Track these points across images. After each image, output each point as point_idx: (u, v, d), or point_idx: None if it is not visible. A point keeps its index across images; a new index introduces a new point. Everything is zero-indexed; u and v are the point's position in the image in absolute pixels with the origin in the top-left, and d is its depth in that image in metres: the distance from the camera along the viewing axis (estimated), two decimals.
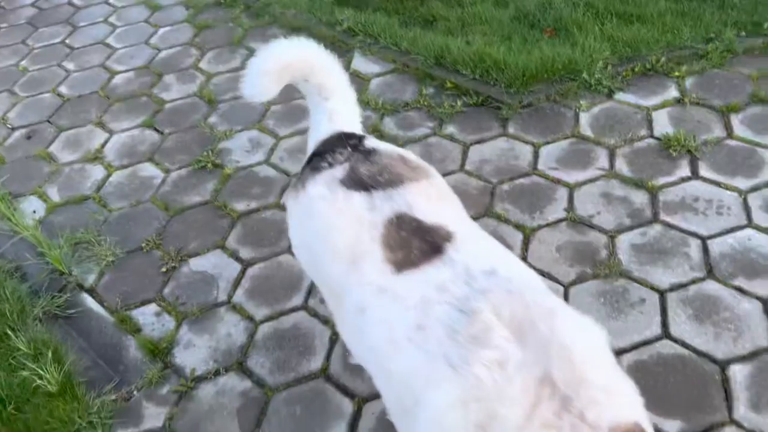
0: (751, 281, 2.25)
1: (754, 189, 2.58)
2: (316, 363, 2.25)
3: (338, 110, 1.89)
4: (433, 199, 1.60)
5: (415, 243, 1.48)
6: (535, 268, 2.38)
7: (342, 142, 1.75)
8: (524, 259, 2.46)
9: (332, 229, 1.60)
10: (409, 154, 1.76)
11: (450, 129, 3.15)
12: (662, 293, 2.27)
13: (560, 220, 2.61)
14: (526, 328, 1.25)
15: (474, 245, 1.49)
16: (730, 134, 2.83)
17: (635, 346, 2.13)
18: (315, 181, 1.67)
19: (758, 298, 2.20)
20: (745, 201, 2.54)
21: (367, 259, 1.50)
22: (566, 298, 2.30)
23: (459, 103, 3.24)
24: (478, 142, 3.05)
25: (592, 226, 2.55)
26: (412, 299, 1.40)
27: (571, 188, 2.73)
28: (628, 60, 3.31)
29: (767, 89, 2.99)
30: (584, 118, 3.07)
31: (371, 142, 1.77)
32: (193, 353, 2.36)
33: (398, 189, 1.59)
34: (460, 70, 3.40)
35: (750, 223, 2.45)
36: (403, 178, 1.62)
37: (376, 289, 1.46)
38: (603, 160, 2.83)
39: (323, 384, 2.19)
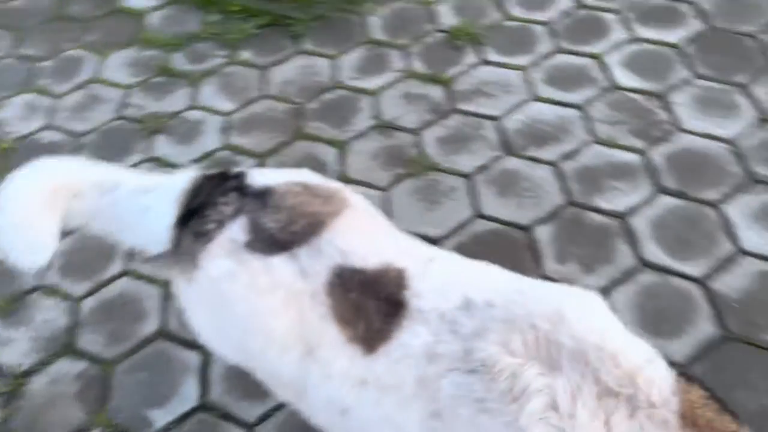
0: (541, 149, 2.48)
1: (534, 64, 2.79)
2: (151, 326, 2.16)
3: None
4: (365, 233, 1.32)
5: (371, 306, 1.21)
6: (354, 180, 2.47)
7: (219, 187, 1.36)
8: (343, 174, 2.50)
9: (262, 315, 1.25)
10: (311, 176, 1.43)
11: (245, 55, 3.02)
12: (469, 177, 2.43)
13: (370, 128, 2.66)
14: (550, 351, 1.08)
15: (430, 277, 1.24)
16: (506, 16, 3.01)
17: (454, 231, 2.29)
18: (211, 254, 1.28)
19: (548, 162, 2.43)
20: (528, 76, 2.74)
21: (325, 344, 1.21)
22: (387, 201, 2.39)
23: (249, 25, 3.10)
24: (277, 63, 2.97)
25: (398, 128, 2.64)
26: (407, 385, 1.15)
27: (374, 94, 2.77)
28: None
29: None
30: (375, 22, 3.09)
31: (257, 177, 1.38)
32: (14, 349, 2.16)
33: (323, 236, 1.27)
34: None
35: (534, 97, 2.66)
36: (323, 218, 1.29)
37: (355, 383, 1.19)
38: (399, 62, 2.89)
39: (163, 344, 2.11)
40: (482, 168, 2.45)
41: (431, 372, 1.13)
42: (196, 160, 2.62)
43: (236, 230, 1.28)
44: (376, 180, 2.46)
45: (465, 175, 2.44)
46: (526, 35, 2.91)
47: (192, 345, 2.08)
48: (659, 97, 2.58)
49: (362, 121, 2.68)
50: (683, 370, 1.14)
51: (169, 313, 2.17)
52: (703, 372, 1.86)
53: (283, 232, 1.26)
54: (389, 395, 1.16)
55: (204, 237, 1.30)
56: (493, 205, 2.34)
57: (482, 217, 2.31)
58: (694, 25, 2.82)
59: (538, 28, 2.92)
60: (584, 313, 1.15)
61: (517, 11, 3.01)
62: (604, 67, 2.71)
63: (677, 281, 2.07)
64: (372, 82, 2.81)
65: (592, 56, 2.77)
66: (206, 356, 2.05)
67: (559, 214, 2.28)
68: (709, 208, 2.23)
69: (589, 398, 1.03)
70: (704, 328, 1.95)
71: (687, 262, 2.10)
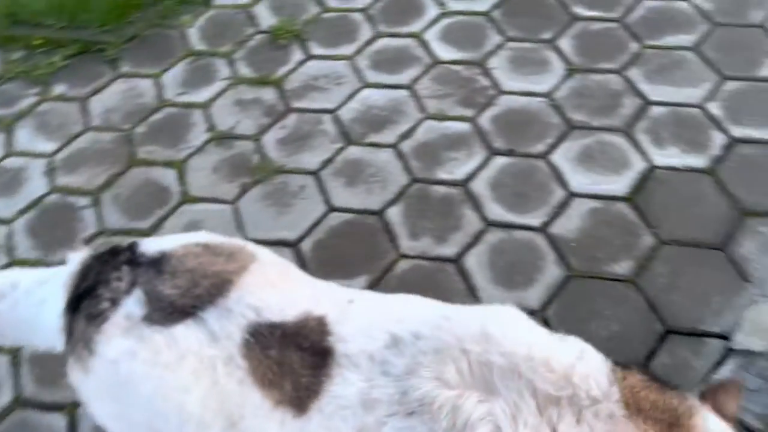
0: (379, 133, 2.53)
1: (359, 52, 2.83)
2: (5, 396, 1.99)
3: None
4: (276, 285, 1.24)
5: (295, 360, 1.13)
6: (199, 198, 2.40)
7: (110, 263, 1.26)
8: (186, 194, 2.41)
9: (171, 392, 1.14)
10: (210, 236, 1.35)
11: (58, 89, 2.83)
12: (316, 173, 2.44)
13: (207, 142, 2.59)
14: (484, 374, 1.07)
15: (352, 319, 1.19)
16: (324, 8, 3.03)
17: (310, 230, 2.29)
18: (106, 336, 1.17)
19: (388, 145, 2.50)
20: (355, 65, 2.79)
21: (249, 414, 1.12)
22: (237, 213, 2.34)
23: (57, 58, 2.91)
24: (95, 92, 2.80)
25: (236, 137, 2.59)
26: None
27: (205, 107, 2.70)
28: None
29: None
30: (193, 33, 3.00)
31: (151, 245, 1.29)
32: None
33: (231, 295, 1.18)
34: (44, 22, 3.02)
35: (365, 84, 2.71)
36: (228, 276, 1.21)
37: None
38: (225, 70, 2.83)
39: (23, 412, 1.96)
40: (327, 162, 2.47)
41: (370, 421, 1.08)
42: (24, 210, 2.43)
43: (132, 305, 1.18)
44: (221, 194, 2.41)
45: (311, 172, 2.44)
46: (347, 25, 2.95)
47: (54, 407, 1.94)
48: (478, 64, 2.72)
49: (197, 136, 2.60)
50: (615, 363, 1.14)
51: (23, 378, 2.01)
52: (556, 311, 2.00)
53: (184, 298, 1.17)
54: None
55: (97, 318, 1.19)
56: (344, 196, 2.37)
57: (335, 210, 2.33)
58: None
59: (357, 15, 2.97)
60: (507, 328, 1.15)
61: (333, 2, 3.04)
62: (424, 45, 2.82)
63: (521, 234, 2.21)
64: (201, 95, 2.74)
65: (412, 35, 2.86)
66: (72, 416, 1.92)
67: (406, 193, 2.35)
68: (538, 160, 2.39)
69: (530, 415, 1.03)
70: (551, 271, 2.10)
71: (527, 214, 2.25)
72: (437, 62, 2.75)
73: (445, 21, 2.90)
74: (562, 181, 2.32)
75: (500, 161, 2.40)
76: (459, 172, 2.38)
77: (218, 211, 2.35)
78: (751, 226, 2.13)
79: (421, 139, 2.50)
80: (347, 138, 2.53)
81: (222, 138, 2.58)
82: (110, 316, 1.19)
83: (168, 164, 2.53)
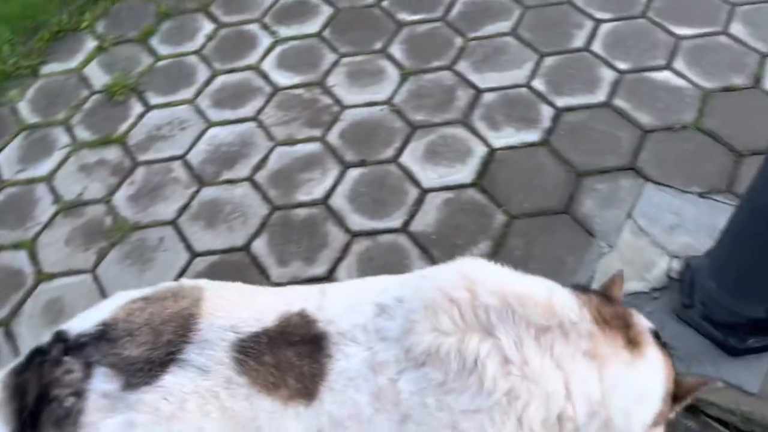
0: (232, 170, 2.53)
1: (199, 93, 2.81)
2: None
3: None
4: (240, 301, 1.25)
5: (291, 355, 1.17)
6: (56, 274, 2.30)
7: (45, 365, 1.17)
8: (41, 273, 2.30)
9: None
10: (134, 292, 1.30)
11: None
12: (173, 222, 2.40)
13: (54, 215, 2.48)
14: (479, 316, 1.17)
15: (332, 304, 1.25)
16: (156, 57, 3.00)
17: (176, 280, 2.24)
18: (90, 425, 1.12)
19: (243, 179, 2.49)
20: (197, 107, 2.77)
21: (265, 421, 1.15)
22: (98, 280, 2.26)
23: None
24: None
25: (85, 203, 2.50)
26: (364, 405, 1.15)
27: (48, 180, 2.59)
28: (33, 31, 3.14)
29: (166, 3, 3.21)
30: (24, 107, 2.87)
31: (79, 324, 1.23)
32: None
33: (200, 326, 1.19)
34: None
35: (209, 124, 2.70)
36: (187, 312, 1.21)
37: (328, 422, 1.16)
38: (63, 137, 2.73)
39: None
40: (183, 209, 2.43)
41: (383, 381, 1.15)
42: None
43: (101, 384, 1.13)
44: (78, 264, 2.31)
45: (168, 223, 2.39)
46: (182, 69, 2.92)
47: None
48: (318, 84, 2.77)
49: (44, 211, 2.49)
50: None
51: None
52: None
53: (156, 350, 1.15)
54: (351, 428, 1.15)
55: (69, 418, 1.12)
56: (205, 239, 2.34)
57: (199, 255, 2.30)
58: (326, 12, 3.07)
59: (191, 58, 2.96)
60: (486, 272, 1.26)
61: (165, 50, 3.01)
62: (263, 75, 2.84)
63: (385, 238, 2.27)
64: (41, 168, 2.62)
65: (249, 68, 2.88)
66: None
67: (268, 223, 2.36)
68: (389, 164, 2.46)
69: (531, 342, 1.15)
70: (418, 267, 2.15)
71: (387, 218, 2.31)
72: (278, 89, 2.78)
73: (280, 48, 2.94)
74: (414, 180, 2.40)
75: (354, 173, 2.46)
76: (317, 192, 2.41)
77: (77, 283, 2.26)
78: (588, 185, 2.30)
79: (274, 167, 2.52)
80: (200, 180, 2.51)
81: (70, 207, 2.49)
82: (83, 407, 1.12)
83: (17, 246, 2.40)
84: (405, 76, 2.74)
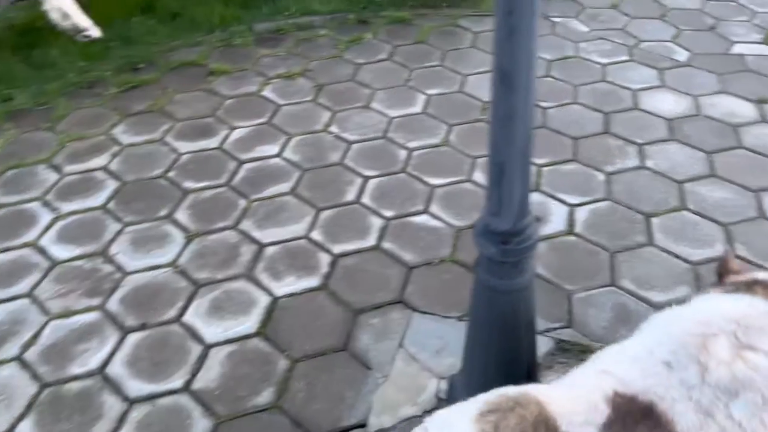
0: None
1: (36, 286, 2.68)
2: None
3: None
4: (566, 397, 1.33)
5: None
6: None
7: None
8: None
9: None
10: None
11: None
12: None
13: None
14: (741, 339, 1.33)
15: (626, 373, 1.35)
16: None
17: None
18: None
19: (11, 359, 2.34)
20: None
21: None
22: None
23: None
24: None
25: None
26: None
27: None
28: None
29: None
30: None
31: None
32: None
33: (564, 429, 1.26)
34: None
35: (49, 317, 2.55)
36: (545, 416, 1.27)
37: None
38: None
39: None
40: None
41: (721, 419, 1.25)
42: None
43: None
44: None
45: None
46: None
47: None
48: (100, 254, 2.77)
49: None
50: None
51: None
52: None
53: None
54: None
55: None
56: None
57: None
58: (112, 186, 3.15)
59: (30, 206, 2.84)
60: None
61: None
62: (41, 251, 2.78)
63: (166, 400, 2.20)
64: None
65: (26, 245, 2.81)
66: None
67: (36, 403, 2.20)
68: (172, 325, 2.46)
69: None
70: (200, 426, 2.12)
71: (168, 379, 2.26)
72: (57, 263, 2.72)
73: (61, 223, 2.92)
74: (197, 337, 2.41)
75: (134, 337, 2.41)
76: (93, 362, 2.32)
77: None
78: (363, 322, 2.46)
79: (47, 342, 2.40)
80: None
81: None
82: None
83: None
84: (190, 238, 2.84)
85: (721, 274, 1.59)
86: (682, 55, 3.94)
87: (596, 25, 4.29)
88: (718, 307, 1.42)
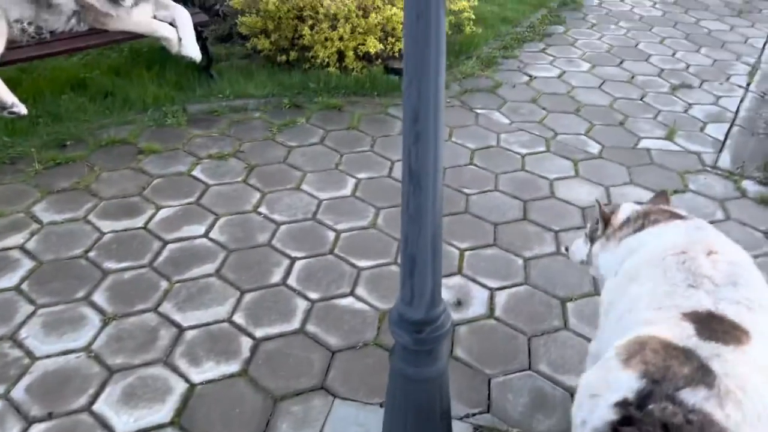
0: None
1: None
2: None
3: None
4: None
5: None
6: None
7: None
8: None
9: None
10: None
11: None
12: None
13: None
14: None
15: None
16: None
17: None
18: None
19: None
20: None
21: None
22: None
23: None
24: None
25: None
26: None
27: None
28: None
29: None
30: None
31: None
32: None
33: None
34: None
35: None
36: None
37: None
38: None
39: None
40: None
41: None
42: None
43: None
44: None
45: None
46: None
47: None
48: (8, 338, 2.64)
49: None
50: None
51: None
52: None
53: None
54: None
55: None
56: None
57: None
58: (27, 265, 3.04)
59: None
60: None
61: None
62: None
63: None
64: None
65: None
66: None
67: None
68: (81, 414, 2.35)
69: None
70: None
71: None
72: None
73: None
74: (107, 427, 2.30)
75: (39, 428, 2.28)
76: None
77: None
78: (284, 409, 2.41)
79: None
80: None
81: None
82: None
83: None
84: (107, 321, 2.75)
85: (606, 220, 2.19)
86: (594, 148, 4.24)
87: (517, 118, 4.58)
88: (672, 239, 1.95)
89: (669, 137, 4.38)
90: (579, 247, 2.42)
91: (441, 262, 1.63)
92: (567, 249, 2.58)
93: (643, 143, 4.32)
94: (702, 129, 4.50)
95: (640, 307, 1.77)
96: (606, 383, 1.53)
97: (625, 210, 2.19)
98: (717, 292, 1.71)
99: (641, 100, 4.89)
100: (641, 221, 2.09)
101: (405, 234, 1.55)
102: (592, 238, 2.29)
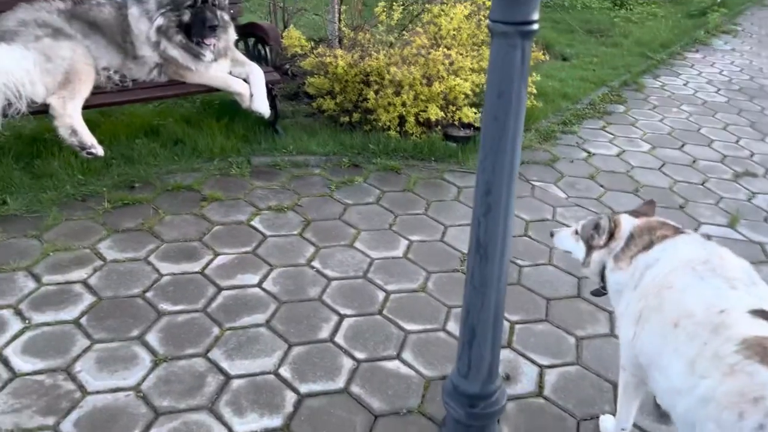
0: None
1: None
2: None
3: None
4: None
5: None
6: None
7: None
8: None
9: None
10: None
11: None
12: None
13: None
14: None
15: None
16: None
17: None
18: None
19: None
20: None
21: None
22: None
23: None
24: None
25: None
26: None
27: None
28: None
29: None
30: None
31: None
32: None
33: None
34: None
35: None
36: None
37: None
38: None
39: None
40: None
41: None
42: None
43: None
44: None
45: None
46: None
47: None
48: (63, 370, 2.71)
49: None
50: None
51: None
52: None
53: None
54: None
55: None
56: None
57: None
58: (88, 300, 3.15)
59: None
60: None
61: None
62: (3, 361, 2.73)
63: None
64: None
65: None
66: None
67: None
68: None
69: None
70: None
71: None
72: (17, 375, 2.66)
73: (29, 334, 2.89)
74: None
75: None
76: None
77: None
78: None
79: None
80: None
81: None
82: None
83: None
84: (157, 362, 2.80)
85: (611, 234, 2.33)
86: None
87: (573, 193, 4.57)
88: (690, 250, 2.15)
89: (731, 225, 4.28)
90: (567, 239, 2.64)
91: (501, 336, 1.62)
92: (552, 234, 2.79)
93: (704, 229, 4.23)
94: (766, 219, 4.39)
95: (698, 311, 1.90)
96: (761, 384, 1.66)
97: (626, 225, 2.35)
98: (751, 291, 1.92)
99: (702, 185, 4.82)
100: (647, 237, 2.25)
101: (467, 304, 1.55)
102: (589, 245, 2.44)
